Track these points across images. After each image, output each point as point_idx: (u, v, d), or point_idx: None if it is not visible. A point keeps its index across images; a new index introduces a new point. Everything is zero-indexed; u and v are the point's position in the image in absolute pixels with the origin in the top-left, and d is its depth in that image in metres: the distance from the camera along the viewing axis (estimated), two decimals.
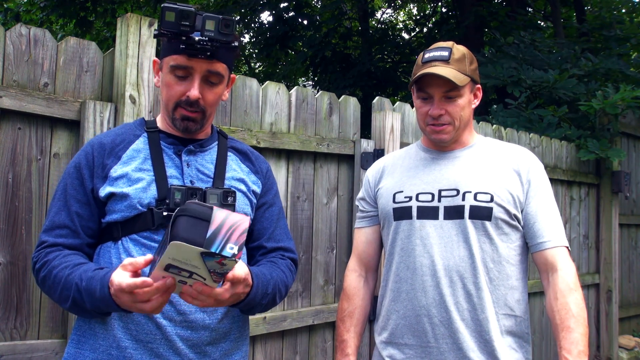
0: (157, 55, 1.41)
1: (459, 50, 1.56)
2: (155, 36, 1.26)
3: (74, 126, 1.94)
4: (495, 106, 4.98)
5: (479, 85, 1.62)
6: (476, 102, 1.62)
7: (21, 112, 1.83)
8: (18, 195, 1.83)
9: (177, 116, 1.30)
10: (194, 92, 1.26)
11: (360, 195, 1.77)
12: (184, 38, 1.21)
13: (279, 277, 1.35)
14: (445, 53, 1.53)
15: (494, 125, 3.79)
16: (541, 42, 5.85)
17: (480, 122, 3.68)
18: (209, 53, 1.24)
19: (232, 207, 1.28)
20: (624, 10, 7.54)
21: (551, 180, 4.11)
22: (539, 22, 8.52)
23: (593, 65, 5.12)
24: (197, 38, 1.21)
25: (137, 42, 2.00)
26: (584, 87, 4.75)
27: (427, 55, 1.56)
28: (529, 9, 8.44)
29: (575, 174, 4.38)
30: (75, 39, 1.97)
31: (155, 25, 2.06)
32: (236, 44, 1.25)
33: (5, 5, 8.57)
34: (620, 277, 4.85)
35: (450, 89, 1.52)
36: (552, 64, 5.17)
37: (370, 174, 1.76)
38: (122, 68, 1.99)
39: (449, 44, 1.58)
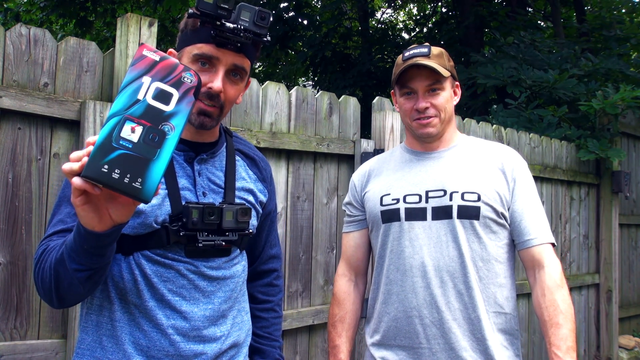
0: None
1: (437, 48, 1.60)
2: (189, 16, 1.18)
3: (74, 126, 1.94)
4: (495, 106, 4.98)
5: (457, 83, 1.66)
6: (456, 99, 1.65)
7: (21, 112, 1.83)
8: (18, 195, 1.83)
9: (193, 110, 1.19)
10: (217, 84, 1.18)
11: (346, 199, 1.78)
12: (218, 23, 1.13)
13: (280, 327, 1.50)
14: (425, 50, 1.57)
15: (494, 125, 3.79)
16: (541, 42, 5.85)
17: (480, 122, 3.68)
18: (239, 44, 1.17)
19: (246, 224, 1.27)
20: (624, 10, 7.55)
21: (551, 180, 4.13)
22: (539, 22, 8.52)
23: (593, 65, 5.12)
24: (230, 26, 1.14)
25: (137, 42, 2.00)
26: (584, 87, 4.75)
27: (407, 54, 1.59)
28: (529, 9, 8.44)
29: (575, 174, 4.38)
30: (75, 39, 1.97)
31: (155, 26, 2.06)
32: (268, 38, 1.20)
33: (5, 5, 8.57)
34: (620, 277, 4.86)
35: (434, 82, 1.55)
36: (552, 64, 5.18)
37: (356, 178, 1.76)
38: (122, 68, 1.99)
39: (425, 44, 1.62)
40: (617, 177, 4.58)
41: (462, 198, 1.53)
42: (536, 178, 3.92)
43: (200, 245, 1.20)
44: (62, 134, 1.93)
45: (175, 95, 0.90)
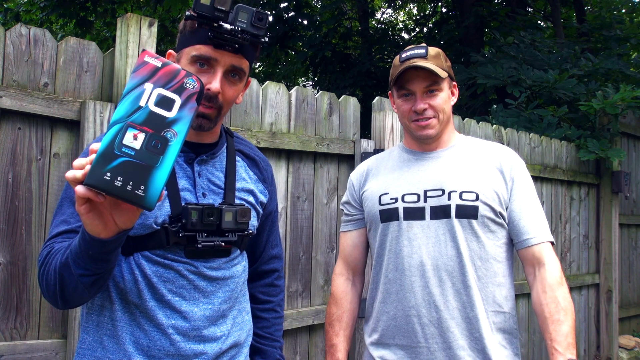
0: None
1: (434, 49, 1.60)
2: (186, 18, 1.18)
3: (74, 126, 1.94)
4: (495, 106, 4.98)
5: (455, 83, 1.66)
6: (454, 100, 1.65)
7: (21, 112, 1.83)
8: (18, 195, 1.83)
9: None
10: (215, 85, 1.18)
11: (344, 199, 1.78)
12: (215, 25, 1.14)
13: (281, 327, 1.50)
14: (422, 51, 1.57)
15: (494, 125, 3.79)
16: (541, 42, 5.86)
17: (480, 122, 3.68)
18: (237, 45, 1.18)
19: (246, 225, 1.27)
20: (624, 10, 7.55)
21: (551, 180, 4.13)
22: (539, 22, 8.53)
23: (593, 66, 5.12)
24: (228, 27, 1.14)
25: (137, 42, 2.01)
26: (584, 87, 4.75)
27: (404, 55, 1.59)
28: (529, 9, 8.44)
29: (575, 174, 4.38)
30: (75, 39, 1.97)
31: (155, 26, 2.06)
32: (266, 39, 1.20)
33: (5, 5, 8.58)
34: (620, 277, 4.86)
35: (431, 83, 1.55)
36: (552, 64, 5.18)
37: (354, 177, 1.76)
38: (122, 68, 1.99)
39: (422, 44, 1.62)
40: (617, 177, 4.58)
41: (461, 197, 1.54)
42: (536, 178, 3.92)
43: (199, 246, 1.20)
44: (62, 134, 1.93)
45: (178, 101, 0.90)
